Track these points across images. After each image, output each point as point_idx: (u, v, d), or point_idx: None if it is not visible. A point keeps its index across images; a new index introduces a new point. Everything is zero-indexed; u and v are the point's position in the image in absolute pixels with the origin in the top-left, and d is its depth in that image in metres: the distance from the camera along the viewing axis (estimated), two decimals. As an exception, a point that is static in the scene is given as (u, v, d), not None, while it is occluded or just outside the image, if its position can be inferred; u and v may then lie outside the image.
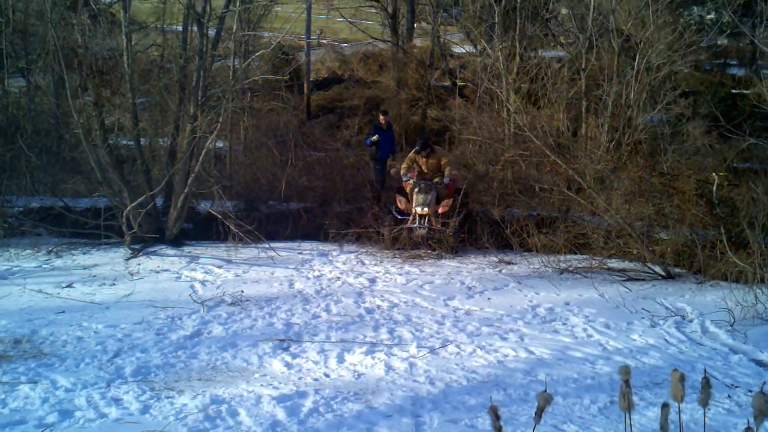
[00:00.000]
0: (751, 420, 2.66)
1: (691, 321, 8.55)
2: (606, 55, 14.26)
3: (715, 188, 10.57)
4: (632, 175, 11.42)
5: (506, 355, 7.29)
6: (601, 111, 13.63)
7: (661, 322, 8.46)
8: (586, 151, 12.98)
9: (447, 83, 20.33)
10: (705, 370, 3.20)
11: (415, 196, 11.97)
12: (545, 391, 3.00)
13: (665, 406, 2.85)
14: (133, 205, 11.26)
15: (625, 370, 3.03)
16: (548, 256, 11.06)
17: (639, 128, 13.27)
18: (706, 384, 2.97)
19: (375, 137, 13.92)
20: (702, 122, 13.59)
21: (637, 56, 13.35)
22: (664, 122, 13.94)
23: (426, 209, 11.77)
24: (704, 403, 2.97)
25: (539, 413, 2.98)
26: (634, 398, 5.99)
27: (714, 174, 10.77)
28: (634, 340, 7.87)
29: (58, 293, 9.19)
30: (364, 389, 6.36)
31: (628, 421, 3.03)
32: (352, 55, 23.05)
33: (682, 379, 2.92)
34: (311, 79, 20.48)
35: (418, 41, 22.79)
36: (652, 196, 11.17)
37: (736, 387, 6.62)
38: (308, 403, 6.00)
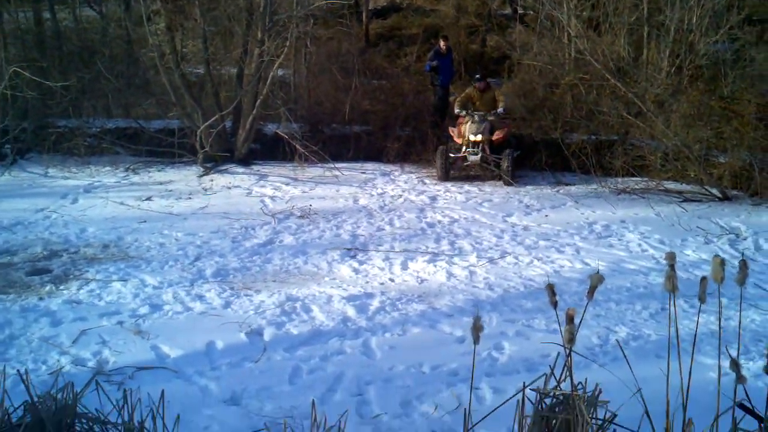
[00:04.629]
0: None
1: (745, 239, 8.74)
2: (668, -20, 14.10)
3: (775, 112, 10.61)
4: (692, 98, 11.46)
5: (562, 266, 7.64)
6: (663, 36, 13.55)
7: (714, 239, 8.69)
8: (647, 75, 12.99)
9: (507, 11, 20.22)
10: (743, 254, 3.49)
11: (468, 125, 12.06)
12: (598, 272, 3.33)
13: (703, 279, 3.14)
14: (206, 124, 11.82)
15: (671, 256, 3.31)
16: (606, 178, 11.29)
17: (700, 53, 13.20)
18: (744, 265, 3.25)
19: (434, 63, 14.09)
20: (766, 48, 13.43)
21: (701, -20, 13.20)
22: (727, 48, 13.82)
23: (480, 136, 11.85)
24: (741, 282, 3.25)
25: (592, 291, 3.29)
26: (685, 305, 6.34)
27: (774, 97, 10.78)
28: (688, 255, 8.11)
29: (139, 205, 9.86)
30: (426, 293, 6.77)
31: (672, 301, 3.29)
32: (410, -17, 22.97)
33: (723, 263, 3.20)
34: (370, 8, 20.56)
35: (478, -33, 22.59)
36: (711, 120, 11.22)
37: (786, 299, 6.85)
38: (375, 303, 6.44)
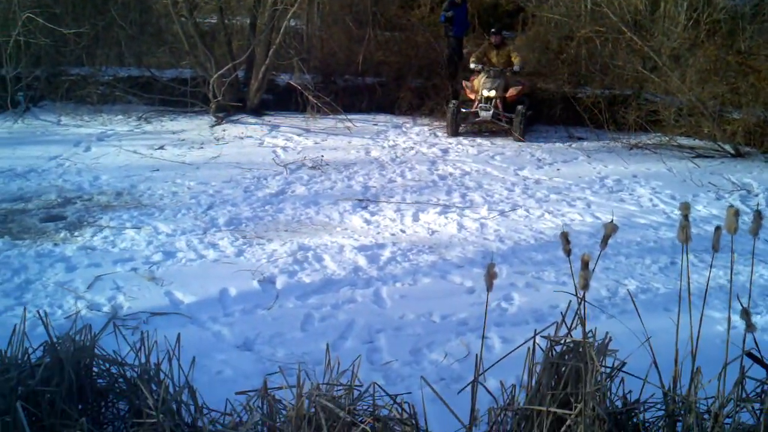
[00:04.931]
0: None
1: (756, 195, 8.72)
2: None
3: (792, 68, 10.51)
4: (708, 53, 11.36)
5: (573, 220, 7.66)
6: (681, -10, 13.40)
7: (726, 195, 8.69)
8: (663, 29, 12.86)
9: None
10: (757, 205, 3.50)
11: (483, 80, 11.93)
12: (612, 222, 3.33)
13: (717, 229, 3.15)
14: (218, 74, 11.82)
15: (686, 206, 3.30)
16: (619, 133, 11.26)
17: (718, 7, 13.04)
18: (758, 216, 3.26)
19: (449, 13, 13.97)
20: (785, 1, 13.27)
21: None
22: (746, 2, 13.64)
23: (494, 92, 11.70)
24: (755, 232, 3.26)
25: (605, 240, 3.30)
26: (695, 260, 6.35)
27: (792, 53, 10.68)
28: (699, 210, 8.11)
29: (151, 154, 9.92)
30: (437, 244, 6.81)
31: (685, 251, 3.28)
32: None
33: (737, 214, 3.21)
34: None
35: None
36: (727, 75, 11.14)
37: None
38: (386, 253, 6.47)
